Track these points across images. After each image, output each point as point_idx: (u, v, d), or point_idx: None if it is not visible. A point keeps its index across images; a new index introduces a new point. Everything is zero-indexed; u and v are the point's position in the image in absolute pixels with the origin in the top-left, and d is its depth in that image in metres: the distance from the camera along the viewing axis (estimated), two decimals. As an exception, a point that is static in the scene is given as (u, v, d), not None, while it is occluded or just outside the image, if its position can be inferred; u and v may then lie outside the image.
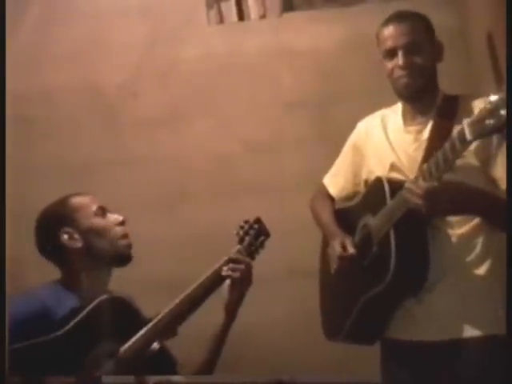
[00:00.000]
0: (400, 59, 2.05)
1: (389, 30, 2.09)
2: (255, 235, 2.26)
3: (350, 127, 2.37)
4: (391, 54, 2.08)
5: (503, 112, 1.57)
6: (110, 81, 3.37)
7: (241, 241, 2.24)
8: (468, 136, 1.66)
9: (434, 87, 2.12)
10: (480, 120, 1.62)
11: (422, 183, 1.85)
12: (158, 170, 3.29)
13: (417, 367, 2.02)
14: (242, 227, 2.27)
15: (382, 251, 2.01)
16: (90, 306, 1.99)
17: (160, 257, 3.12)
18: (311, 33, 3.30)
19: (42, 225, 2.13)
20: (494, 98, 1.60)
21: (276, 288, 3.07)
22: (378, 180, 2.08)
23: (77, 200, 2.14)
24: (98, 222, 2.12)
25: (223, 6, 3.39)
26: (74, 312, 1.98)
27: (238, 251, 2.20)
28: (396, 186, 1.99)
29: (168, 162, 3.29)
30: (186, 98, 3.34)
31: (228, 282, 2.12)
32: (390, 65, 2.09)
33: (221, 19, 3.40)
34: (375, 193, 2.09)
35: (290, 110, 3.26)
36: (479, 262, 1.99)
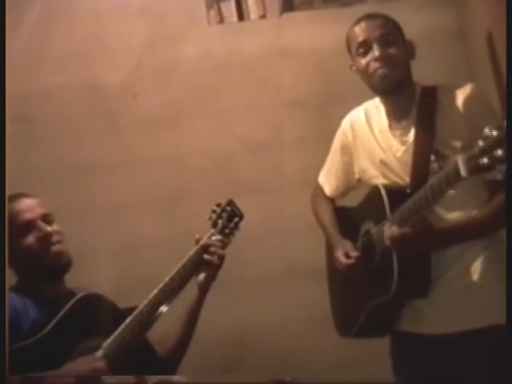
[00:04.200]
0: (376, 51, 2.03)
1: (361, 27, 2.08)
2: (228, 218, 2.24)
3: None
4: (365, 49, 2.06)
5: (498, 152, 1.52)
6: (110, 81, 3.37)
7: (214, 225, 2.22)
8: (462, 172, 1.63)
9: (410, 83, 2.10)
10: (475, 157, 1.58)
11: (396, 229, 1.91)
12: (158, 170, 3.29)
13: (423, 359, 2.03)
14: (214, 211, 2.25)
15: (384, 261, 2.02)
16: (68, 306, 1.96)
17: (159, 256, 3.11)
18: (311, 33, 3.30)
19: None
20: (488, 133, 1.55)
21: (276, 288, 3.07)
22: (376, 188, 2.09)
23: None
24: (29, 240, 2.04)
25: (223, 6, 3.39)
26: (46, 315, 1.94)
27: (212, 235, 2.19)
28: (394, 195, 2.01)
29: (168, 161, 3.29)
30: (186, 98, 3.34)
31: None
32: (363, 61, 2.07)
33: (221, 19, 3.40)
34: (374, 201, 2.09)
35: (290, 110, 3.26)
36: (479, 253, 2.00)
